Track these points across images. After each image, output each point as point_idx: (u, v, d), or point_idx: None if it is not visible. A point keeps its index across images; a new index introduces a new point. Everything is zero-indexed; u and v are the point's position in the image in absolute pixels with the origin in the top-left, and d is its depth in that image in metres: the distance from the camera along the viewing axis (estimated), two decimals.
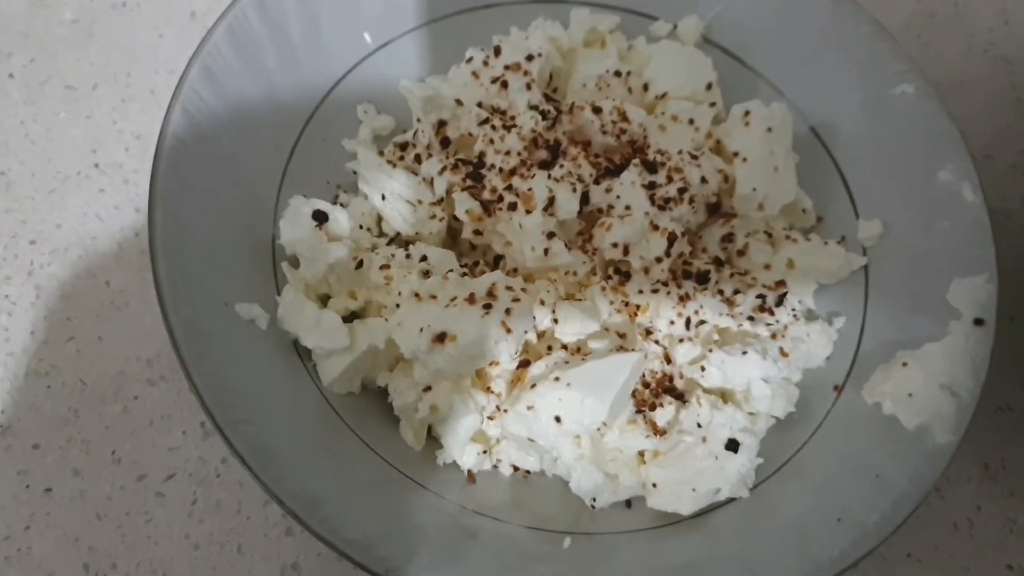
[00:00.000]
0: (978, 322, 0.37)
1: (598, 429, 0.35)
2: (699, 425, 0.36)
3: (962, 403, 0.35)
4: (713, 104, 0.43)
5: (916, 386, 0.36)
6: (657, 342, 0.39)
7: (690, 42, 0.45)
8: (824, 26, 0.43)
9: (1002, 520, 0.44)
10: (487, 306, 0.35)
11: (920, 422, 0.35)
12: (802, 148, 0.44)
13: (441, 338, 0.34)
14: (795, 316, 0.40)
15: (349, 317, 0.38)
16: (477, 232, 0.39)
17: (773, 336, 0.39)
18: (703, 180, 0.40)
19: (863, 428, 0.37)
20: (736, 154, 0.42)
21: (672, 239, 0.39)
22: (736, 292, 0.40)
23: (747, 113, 0.42)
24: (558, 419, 0.34)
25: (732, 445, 0.36)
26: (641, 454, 0.37)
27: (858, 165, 0.43)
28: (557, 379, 0.35)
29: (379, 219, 0.41)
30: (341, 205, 0.40)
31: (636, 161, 0.40)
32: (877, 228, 0.41)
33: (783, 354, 0.39)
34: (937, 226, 0.39)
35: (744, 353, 0.38)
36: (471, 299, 0.35)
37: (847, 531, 0.33)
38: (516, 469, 0.38)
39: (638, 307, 0.39)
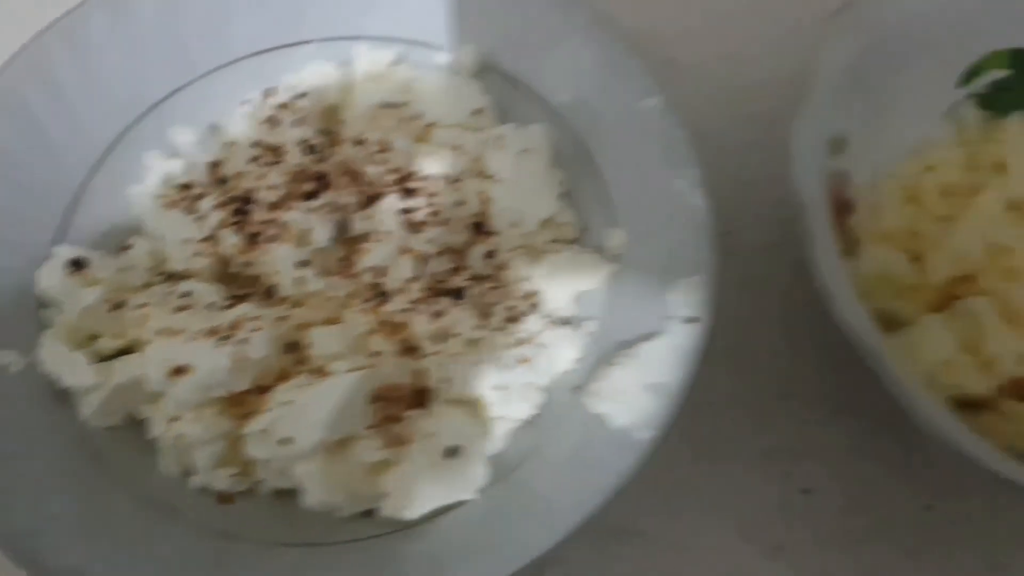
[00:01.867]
0: (690, 320, 0.39)
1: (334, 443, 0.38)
2: (431, 434, 0.39)
3: (666, 400, 0.37)
4: (481, 130, 0.46)
5: (625, 385, 0.38)
6: (412, 356, 0.41)
7: (467, 71, 0.48)
8: (585, 47, 0.45)
9: None
10: (225, 337, 0.38)
11: (626, 420, 0.37)
12: (573, 163, 0.46)
13: (179, 371, 0.37)
14: (547, 324, 0.42)
15: (118, 354, 0.41)
16: (247, 264, 0.42)
17: (520, 343, 0.41)
18: (459, 203, 0.43)
19: (582, 427, 0.39)
20: (491, 176, 0.44)
21: (424, 260, 0.41)
22: (491, 305, 0.43)
23: (500, 136, 0.44)
24: (286, 439, 0.37)
25: (451, 452, 0.38)
26: (379, 464, 0.39)
27: (616, 177, 0.45)
28: (287, 402, 0.38)
29: (164, 259, 0.44)
30: (125, 249, 0.44)
31: (394, 188, 0.43)
32: (623, 236, 0.43)
33: (523, 361, 0.41)
34: (668, 232, 0.41)
35: (480, 363, 0.40)
36: (212, 332, 0.38)
37: (551, 522, 0.35)
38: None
39: (396, 325, 0.42)
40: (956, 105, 0.52)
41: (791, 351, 0.48)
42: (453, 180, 0.43)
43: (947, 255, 0.45)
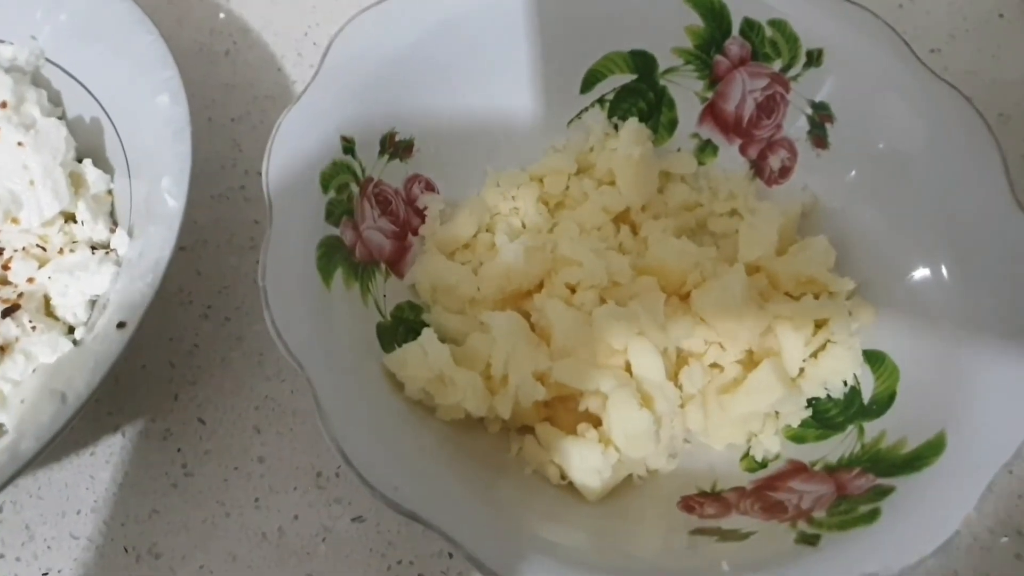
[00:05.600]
0: (120, 325, 0.35)
1: None
2: None
3: (63, 409, 0.33)
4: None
5: (29, 391, 0.35)
6: None
7: (28, 64, 0.46)
8: (122, 41, 0.43)
9: (317, 529, 0.41)
10: None
11: (21, 427, 0.34)
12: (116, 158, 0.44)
13: None
14: (32, 328, 0.39)
15: None
16: None
17: None
18: None
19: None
20: None
21: None
22: None
23: None
24: None
25: None
26: None
27: (137, 172, 0.42)
28: None
29: None
30: None
31: None
32: (125, 238, 0.41)
33: None
34: (148, 230, 0.38)
35: None
36: None
37: None
38: None
39: None
40: (583, 112, 0.49)
41: None
42: None
43: (498, 268, 0.42)
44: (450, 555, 0.41)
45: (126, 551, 0.41)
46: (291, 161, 0.38)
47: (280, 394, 0.45)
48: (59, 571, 0.40)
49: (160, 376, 0.45)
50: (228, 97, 0.54)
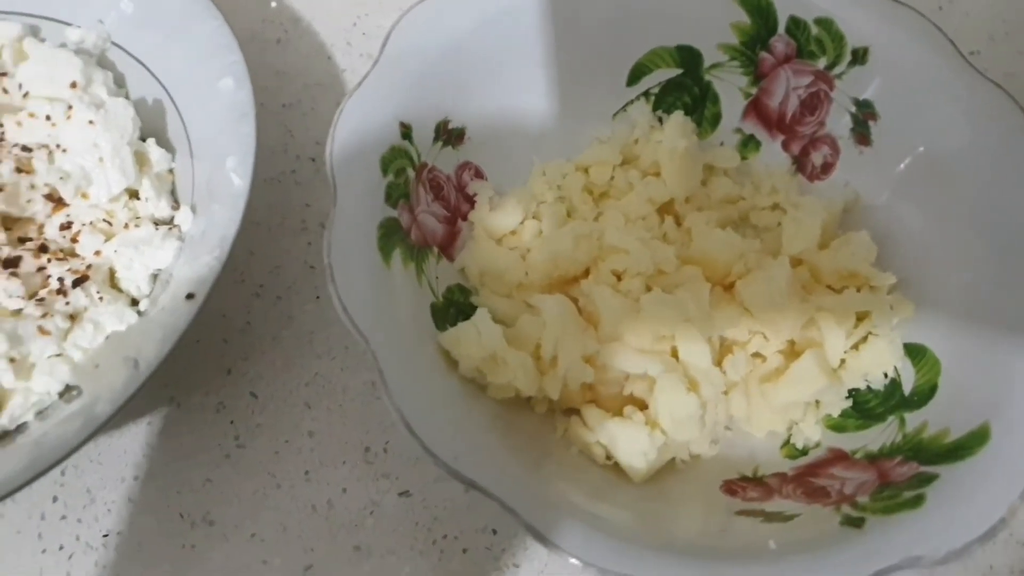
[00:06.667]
0: (189, 296, 0.37)
1: None
2: None
3: (136, 375, 0.35)
4: (70, 107, 0.44)
5: (104, 357, 0.36)
6: None
7: (95, 47, 0.47)
8: (187, 26, 0.45)
9: (365, 502, 0.43)
10: None
11: (95, 391, 0.35)
12: (178, 139, 0.45)
13: None
14: (100, 299, 0.41)
15: None
16: None
17: (47, 315, 0.40)
18: (20, 170, 0.42)
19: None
20: (64, 148, 0.43)
21: None
22: (48, 276, 0.41)
23: (70, 108, 0.43)
24: None
25: None
26: None
27: (200, 152, 0.44)
28: None
29: None
30: None
31: None
32: (189, 215, 0.42)
33: (43, 332, 0.39)
34: (214, 207, 0.40)
35: None
36: None
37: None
38: None
39: None
40: (628, 105, 0.50)
41: None
42: (26, 149, 0.42)
43: (546, 254, 0.43)
44: (494, 531, 0.42)
45: (181, 517, 0.42)
46: (353, 145, 0.39)
47: (330, 371, 0.46)
48: (118, 533, 0.42)
49: (214, 351, 0.46)
50: (280, 84, 0.56)
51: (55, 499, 0.43)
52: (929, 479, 0.35)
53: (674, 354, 0.40)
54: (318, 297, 0.48)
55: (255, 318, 0.47)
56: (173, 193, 0.45)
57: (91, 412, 0.34)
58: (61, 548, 0.41)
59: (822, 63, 0.46)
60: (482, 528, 0.42)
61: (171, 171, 0.45)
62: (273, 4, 0.59)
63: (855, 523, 0.34)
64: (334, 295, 0.35)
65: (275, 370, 0.46)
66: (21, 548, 0.41)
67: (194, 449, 0.44)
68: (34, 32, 0.48)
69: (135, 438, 0.44)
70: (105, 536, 0.42)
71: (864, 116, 0.46)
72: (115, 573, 0.41)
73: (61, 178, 0.42)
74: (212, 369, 0.46)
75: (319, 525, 0.42)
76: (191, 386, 0.45)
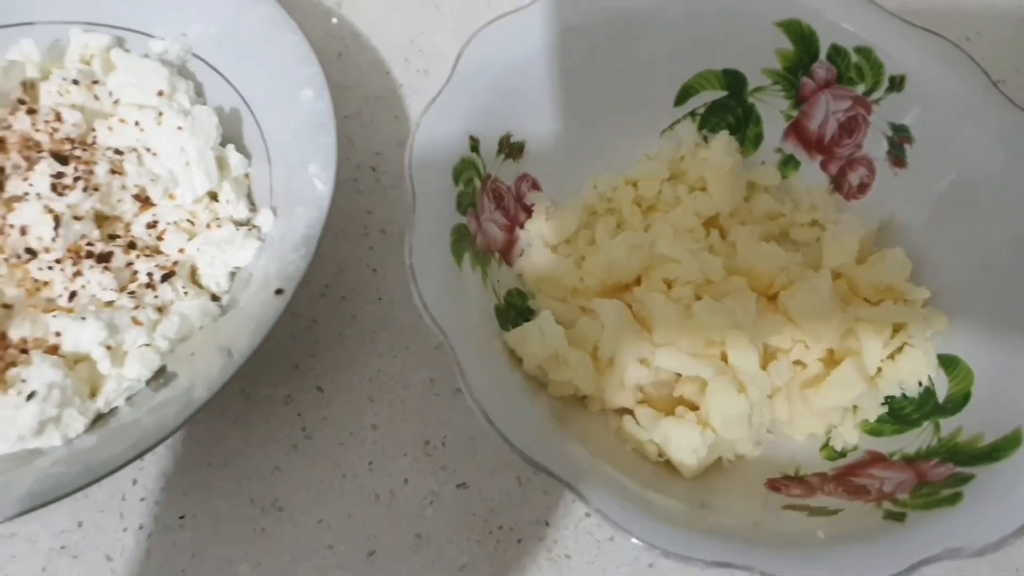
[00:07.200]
0: (278, 292, 0.39)
1: None
2: (23, 380, 0.40)
3: (230, 363, 0.38)
4: (161, 113, 0.47)
5: (199, 346, 0.39)
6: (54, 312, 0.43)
7: (177, 58, 0.50)
8: (267, 40, 0.48)
9: (425, 493, 0.45)
10: None
11: (191, 377, 0.38)
12: (254, 145, 0.48)
13: None
14: (184, 293, 0.44)
15: None
16: None
17: (148, 308, 0.43)
18: (113, 172, 0.45)
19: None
20: (153, 152, 0.46)
21: (58, 220, 0.43)
22: (136, 272, 0.44)
23: (160, 114, 0.46)
24: None
25: (31, 395, 0.39)
26: None
27: (278, 158, 0.47)
28: None
29: None
30: None
31: (46, 155, 0.45)
32: (270, 216, 0.45)
33: (136, 323, 0.42)
34: (296, 210, 0.43)
35: (84, 319, 0.41)
36: None
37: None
38: None
39: (41, 283, 0.44)
40: (675, 123, 0.53)
41: None
42: (119, 152, 0.45)
43: (601, 262, 0.46)
44: (547, 523, 0.45)
45: (252, 502, 0.45)
46: (428, 156, 0.42)
47: (392, 368, 0.49)
48: (193, 516, 0.44)
49: (281, 347, 0.49)
50: (341, 96, 0.58)
51: (135, 482, 0.45)
52: (966, 479, 0.37)
53: (723, 358, 0.43)
54: (379, 299, 0.51)
55: (320, 317, 0.50)
56: (249, 196, 0.48)
57: (189, 397, 0.37)
58: (141, 527, 0.44)
59: (860, 89, 0.49)
60: (535, 520, 0.45)
61: (247, 175, 0.48)
62: (334, 20, 0.62)
63: (897, 517, 0.36)
64: (415, 293, 0.37)
65: (339, 366, 0.49)
66: (105, 526, 0.44)
67: (264, 439, 0.47)
68: (120, 43, 0.51)
69: (209, 427, 0.47)
70: (181, 518, 0.44)
71: (900, 139, 0.49)
72: (192, 552, 0.43)
73: (152, 180, 0.45)
74: (281, 364, 0.49)
75: (382, 513, 0.45)
76: (261, 379, 0.48)
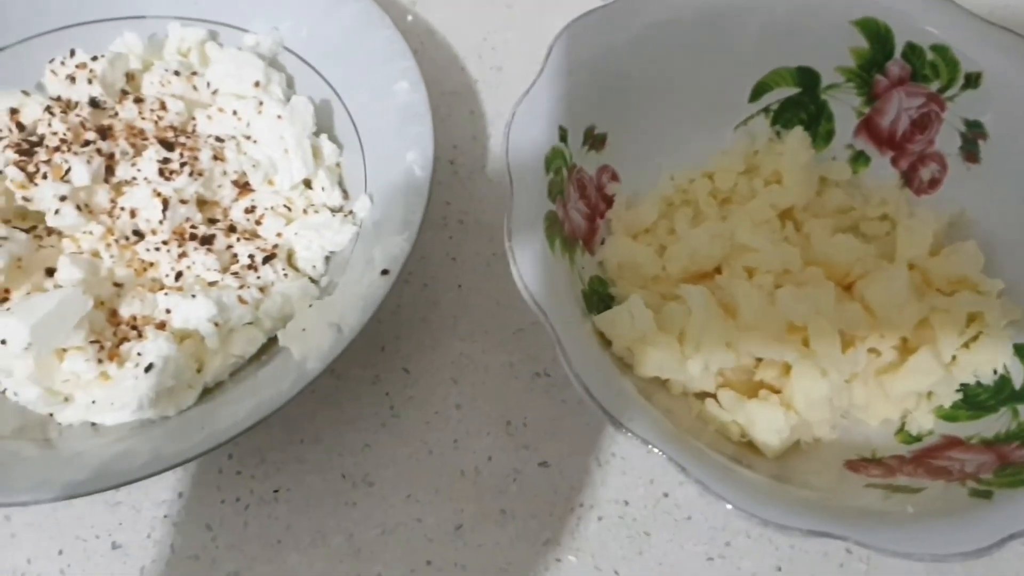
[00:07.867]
0: (384, 272, 0.41)
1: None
2: (139, 353, 0.42)
3: (341, 338, 0.39)
4: (261, 103, 0.50)
5: (310, 323, 0.41)
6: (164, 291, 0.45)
7: (269, 51, 0.52)
8: (360, 35, 0.50)
9: (508, 470, 0.47)
10: None
11: (303, 351, 0.40)
12: (345, 135, 0.50)
13: None
14: (284, 275, 0.46)
15: None
16: (26, 199, 0.47)
17: (250, 288, 0.45)
18: (215, 158, 0.47)
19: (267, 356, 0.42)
20: (253, 139, 0.48)
21: (166, 204, 0.45)
22: (236, 254, 0.46)
23: (260, 104, 0.48)
24: (2, 342, 0.41)
25: (148, 368, 0.41)
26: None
27: (371, 148, 0.48)
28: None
29: None
30: None
31: (153, 141, 0.47)
32: (367, 203, 0.47)
33: (241, 301, 0.44)
34: (394, 196, 0.45)
35: (193, 297, 0.43)
36: None
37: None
38: None
39: (148, 263, 0.46)
40: (749, 119, 0.54)
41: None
42: (219, 140, 0.48)
43: (684, 250, 0.47)
44: (626, 503, 0.46)
45: (343, 477, 0.47)
46: (523, 144, 0.43)
47: (473, 352, 0.50)
48: (288, 489, 0.46)
49: (369, 330, 0.51)
50: None
51: (230, 456, 0.47)
52: None
53: (805, 343, 0.44)
54: (459, 286, 0.53)
55: (404, 302, 0.52)
56: (340, 183, 0.50)
57: (302, 369, 0.39)
58: (238, 499, 0.46)
59: (935, 86, 0.50)
60: (615, 499, 0.46)
61: (339, 164, 0.50)
62: (409, 18, 0.64)
63: (983, 495, 0.37)
64: (516, 275, 0.39)
65: (423, 349, 0.50)
66: (203, 497, 0.46)
67: (353, 417, 0.48)
68: (214, 37, 0.53)
69: (300, 405, 0.48)
70: (276, 492, 0.46)
71: (974, 135, 0.50)
72: (286, 524, 0.45)
73: (253, 166, 0.47)
74: (368, 346, 0.50)
75: (468, 489, 0.47)
76: (350, 360, 0.50)
